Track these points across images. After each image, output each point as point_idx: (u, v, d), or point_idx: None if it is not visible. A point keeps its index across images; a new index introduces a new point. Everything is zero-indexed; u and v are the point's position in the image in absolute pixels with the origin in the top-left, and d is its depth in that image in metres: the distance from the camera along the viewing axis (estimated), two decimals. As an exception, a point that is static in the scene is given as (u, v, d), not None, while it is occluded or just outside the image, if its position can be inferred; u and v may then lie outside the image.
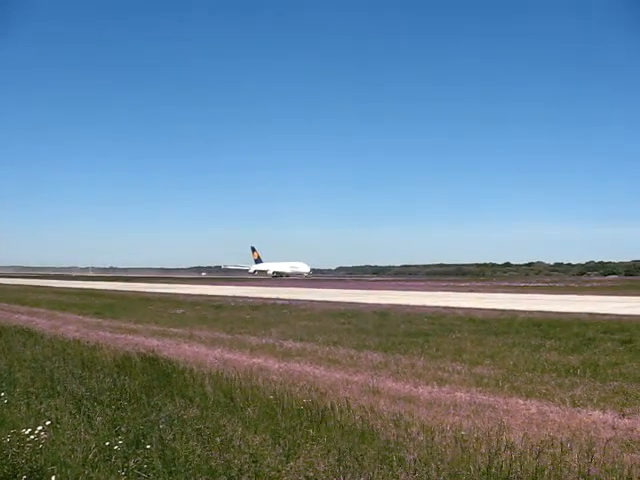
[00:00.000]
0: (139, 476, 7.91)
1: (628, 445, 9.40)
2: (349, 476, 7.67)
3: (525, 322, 27.48)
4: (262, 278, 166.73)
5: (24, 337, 21.93)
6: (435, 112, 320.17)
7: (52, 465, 8.13)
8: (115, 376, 13.95)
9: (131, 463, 8.15)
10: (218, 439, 9.10)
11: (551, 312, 33.65)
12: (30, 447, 8.44)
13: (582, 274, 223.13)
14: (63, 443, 8.93)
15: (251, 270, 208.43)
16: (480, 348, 19.47)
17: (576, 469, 7.98)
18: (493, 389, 13.59)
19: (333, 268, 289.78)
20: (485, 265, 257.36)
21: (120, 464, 8.15)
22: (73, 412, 10.85)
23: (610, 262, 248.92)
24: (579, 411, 11.59)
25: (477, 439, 9.26)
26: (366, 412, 10.98)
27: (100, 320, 31.91)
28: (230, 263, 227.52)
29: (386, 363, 16.98)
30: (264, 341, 22.09)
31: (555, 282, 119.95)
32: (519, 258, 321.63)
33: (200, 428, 9.73)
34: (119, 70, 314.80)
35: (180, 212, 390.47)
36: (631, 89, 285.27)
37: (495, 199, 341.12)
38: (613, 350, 18.86)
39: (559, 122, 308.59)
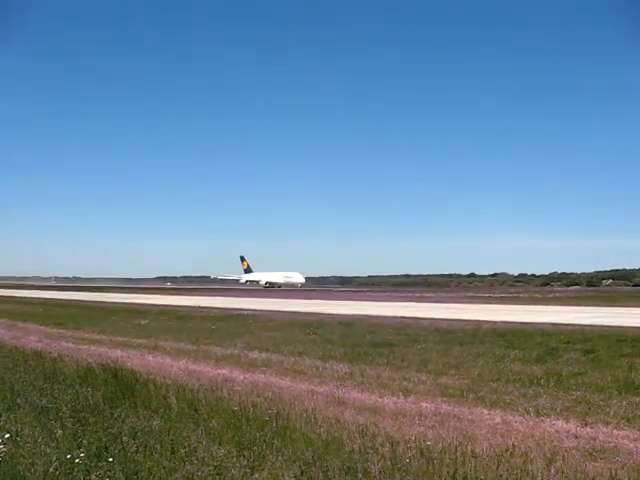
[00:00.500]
0: (101, 489, 7.80)
1: (590, 454, 9.48)
2: (314, 487, 7.64)
3: (489, 332, 27.69)
4: (242, 288, 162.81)
5: (-17, 349, 21.55)
6: (402, 124, 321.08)
7: (12, 479, 7.99)
8: (77, 388, 13.79)
9: (93, 476, 8.04)
10: (182, 451, 9.03)
11: (515, 322, 33.98)
12: (-11, 461, 8.29)
13: (546, 285, 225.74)
14: (23, 456, 8.79)
15: (242, 280, 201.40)
16: (445, 358, 19.57)
17: (539, 478, 8.04)
18: (458, 399, 13.64)
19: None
20: (450, 276, 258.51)
21: (82, 477, 8.04)
22: (34, 425, 10.70)
23: (573, 273, 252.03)
24: (543, 420, 11.68)
25: (442, 449, 9.27)
26: (331, 423, 10.96)
27: (63, 331, 31.51)
28: (220, 273, 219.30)
29: (352, 374, 16.98)
30: (229, 352, 21.98)
31: (519, 293, 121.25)
32: (484, 269, 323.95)
33: (164, 440, 9.64)
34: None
35: (152, 221, 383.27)
36: (595, 99, 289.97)
37: (460, 211, 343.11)
38: (576, 360, 19.08)
39: (520, 134, 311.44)
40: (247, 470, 8.42)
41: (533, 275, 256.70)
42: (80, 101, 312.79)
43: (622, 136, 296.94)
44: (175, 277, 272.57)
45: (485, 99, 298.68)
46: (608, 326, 31.03)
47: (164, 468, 8.35)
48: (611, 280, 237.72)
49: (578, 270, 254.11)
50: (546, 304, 64.92)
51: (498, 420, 11.71)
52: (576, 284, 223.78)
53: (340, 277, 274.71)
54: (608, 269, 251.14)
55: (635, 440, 10.30)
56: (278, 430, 10.31)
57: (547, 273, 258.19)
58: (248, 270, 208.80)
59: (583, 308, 53.77)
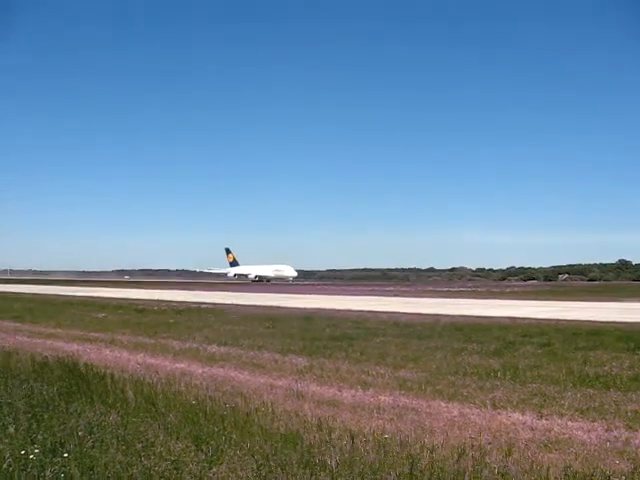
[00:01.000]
0: (56, 485, 7.68)
1: (546, 445, 9.62)
2: (272, 481, 7.62)
3: (448, 326, 27.92)
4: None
5: None
6: (369, 120, 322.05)
7: (-37, 476, 7.83)
8: (32, 382, 13.53)
9: (48, 472, 7.89)
10: (139, 445, 8.93)
11: (473, 316, 34.38)
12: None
13: (503, 279, 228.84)
14: (-26, 453, 8.61)
15: (230, 274, 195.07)
16: (404, 352, 19.68)
17: (496, 470, 8.11)
18: (416, 392, 13.73)
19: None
20: (410, 270, 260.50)
21: (36, 474, 7.89)
22: (-14, 421, 10.48)
23: (530, 268, 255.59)
24: (499, 413, 11.81)
25: (400, 442, 9.32)
26: (290, 416, 10.96)
27: (19, 324, 30.97)
28: (207, 266, 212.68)
29: (310, 367, 16.99)
30: (188, 345, 21.83)
31: (477, 287, 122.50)
32: (443, 263, 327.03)
33: (120, 434, 9.53)
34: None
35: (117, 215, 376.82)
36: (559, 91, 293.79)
37: (420, 206, 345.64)
38: (532, 353, 19.34)
39: (485, 130, 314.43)
40: (205, 464, 8.36)
41: (491, 270, 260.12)
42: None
43: (580, 132, 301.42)
44: (134, 270, 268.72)
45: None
46: (564, 320, 31.54)
47: (120, 463, 8.24)
48: (567, 275, 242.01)
49: (535, 265, 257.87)
50: (504, 298, 65.68)
51: (456, 413, 11.81)
52: (533, 279, 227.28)
53: (300, 270, 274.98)
54: (564, 264, 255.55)
55: (589, 431, 10.48)
56: (236, 424, 10.26)
57: (505, 268, 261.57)
58: (234, 263, 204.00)
59: (540, 302, 54.57)
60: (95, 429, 9.83)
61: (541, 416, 11.55)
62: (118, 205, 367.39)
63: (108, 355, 19.65)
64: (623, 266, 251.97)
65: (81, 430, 9.64)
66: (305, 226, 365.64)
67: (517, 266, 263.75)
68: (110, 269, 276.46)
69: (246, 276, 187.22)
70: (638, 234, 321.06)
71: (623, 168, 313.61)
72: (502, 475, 7.95)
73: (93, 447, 8.89)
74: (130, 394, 12.60)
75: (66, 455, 8.42)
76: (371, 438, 9.55)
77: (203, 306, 43.76)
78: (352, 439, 9.34)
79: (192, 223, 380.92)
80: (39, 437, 9.29)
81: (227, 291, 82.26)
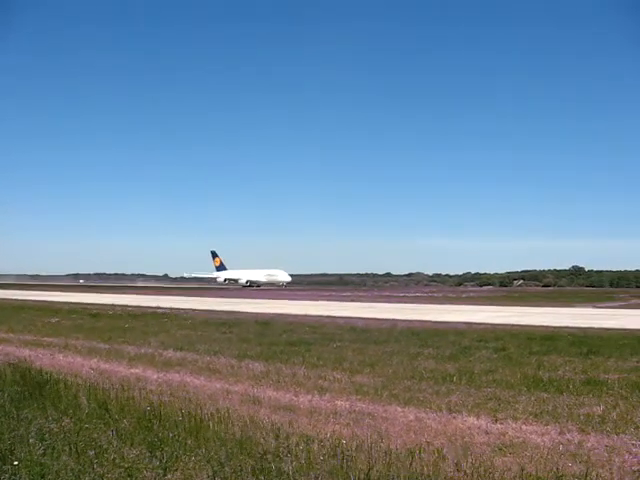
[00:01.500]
0: (5, 494, 7.51)
1: (500, 449, 9.70)
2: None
3: (405, 331, 28.07)
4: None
5: None
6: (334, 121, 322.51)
7: None
8: (-19, 389, 13.26)
9: (-4, 480, 7.73)
10: (92, 452, 8.78)
11: (429, 321, 34.61)
12: None
13: (459, 285, 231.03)
14: None
15: (220, 279, 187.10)
16: (361, 357, 19.71)
17: (451, 474, 8.16)
18: (373, 397, 13.75)
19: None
20: (366, 275, 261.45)
21: (-16, 482, 7.72)
22: None
23: (485, 273, 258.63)
24: (455, 417, 11.88)
25: (356, 447, 9.31)
26: (246, 422, 10.87)
27: (-32, 329, 30.29)
28: (194, 271, 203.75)
29: (267, 372, 16.91)
30: (143, 351, 21.58)
31: (434, 292, 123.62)
32: (399, 269, 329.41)
33: (73, 441, 9.35)
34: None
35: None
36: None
37: (376, 211, 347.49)
38: (487, 358, 19.52)
39: (440, 134, 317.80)
40: (160, 471, 8.27)
41: (448, 275, 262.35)
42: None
43: (531, 137, 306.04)
44: (89, 274, 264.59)
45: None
46: (519, 325, 32.02)
47: (72, 471, 8.10)
48: (522, 280, 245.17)
49: (491, 271, 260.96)
50: (460, 304, 66.38)
51: (412, 417, 11.85)
52: (489, 284, 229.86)
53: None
54: (519, 270, 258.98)
55: (542, 435, 10.60)
56: (191, 430, 10.17)
57: (461, 273, 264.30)
58: (221, 267, 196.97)
59: (495, 308, 55.28)
60: (47, 436, 9.65)
61: (496, 420, 11.64)
62: (82, 207, 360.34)
63: (61, 360, 19.31)
64: (577, 272, 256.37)
65: (32, 437, 9.46)
66: (261, 231, 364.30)
67: (473, 272, 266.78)
68: (64, 273, 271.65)
69: (236, 281, 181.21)
70: (591, 240, 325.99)
71: (577, 174, 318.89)
72: (457, 479, 7.99)
73: (44, 454, 8.72)
74: (83, 400, 12.41)
75: (16, 463, 8.26)
76: (328, 443, 9.52)
77: (159, 311, 43.39)
78: (309, 444, 9.32)
79: (173, 226, 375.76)
80: (-12, 444, 9.09)
81: (181, 296, 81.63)
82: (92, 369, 17.31)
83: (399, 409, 12.57)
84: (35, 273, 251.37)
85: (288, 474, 8.04)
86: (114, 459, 8.58)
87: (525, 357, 19.63)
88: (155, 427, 10.30)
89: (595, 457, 9.26)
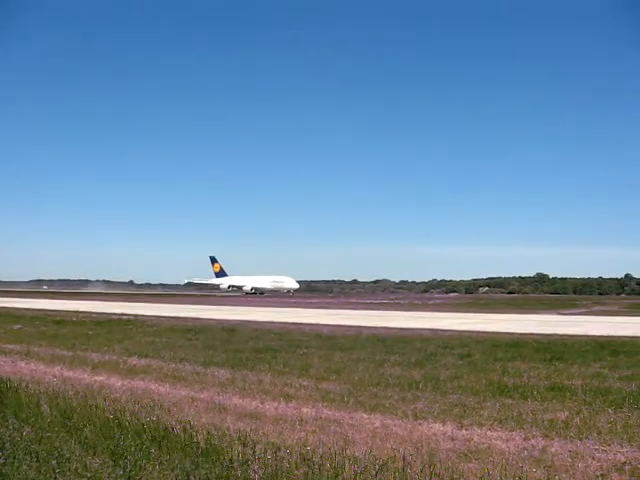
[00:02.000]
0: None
1: (466, 455, 9.74)
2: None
3: (370, 338, 28.13)
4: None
5: None
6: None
7: None
8: (-60, 398, 12.98)
9: (-46, 492, 7.57)
10: (54, 462, 8.62)
11: (395, 328, 34.71)
12: None
13: (426, 291, 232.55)
14: None
15: (224, 285, 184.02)
16: (327, 364, 19.68)
17: (417, 480, 8.17)
18: (339, 404, 13.72)
19: (182, 283, 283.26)
20: (333, 282, 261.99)
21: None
22: None
23: (451, 280, 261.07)
24: (421, 424, 11.90)
25: (322, 454, 9.26)
26: (211, 430, 10.76)
27: None
28: (196, 277, 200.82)
29: (233, 380, 16.81)
30: (107, 358, 21.32)
31: (400, 299, 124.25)
32: (366, 276, 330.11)
33: (34, 450, 9.19)
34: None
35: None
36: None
37: (343, 218, 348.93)
38: (453, 364, 19.62)
39: (406, 139, 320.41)
40: (123, 480, 8.16)
41: (414, 282, 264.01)
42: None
43: (497, 142, 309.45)
44: (52, 280, 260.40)
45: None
46: (484, 332, 32.28)
47: (33, 480, 7.96)
48: (487, 287, 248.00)
49: (456, 278, 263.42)
50: (425, 310, 66.77)
51: (378, 424, 11.85)
52: (454, 291, 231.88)
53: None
54: (484, 277, 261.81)
55: (507, 440, 10.66)
56: (156, 438, 10.05)
57: (427, 280, 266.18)
58: (221, 273, 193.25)
59: (461, 314, 55.73)
60: (7, 445, 9.45)
61: (461, 426, 11.69)
62: (46, 213, 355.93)
63: (23, 368, 18.98)
64: (541, 279, 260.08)
65: (-8, 446, 9.28)
66: (227, 240, 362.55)
67: (439, 279, 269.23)
68: (27, 279, 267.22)
69: (240, 288, 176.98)
70: (555, 248, 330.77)
71: (542, 181, 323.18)
72: (423, 485, 8.01)
73: (5, 464, 8.55)
74: (45, 408, 12.19)
75: (-25, 474, 8.09)
76: (294, 451, 9.48)
77: (124, 317, 42.93)
78: (275, 452, 9.26)
79: (140, 231, 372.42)
80: (-54, 455, 8.89)
81: (148, 302, 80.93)
82: (55, 377, 17.03)
83: (365, 416, 12.56)
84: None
85: (255, 482, 7.98)
86: (76, 468, 8.45)
87: (490, 364, 19.77)
88: (119, 435, 10.16)
89: (559, 462, 9.33)
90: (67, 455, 9.05)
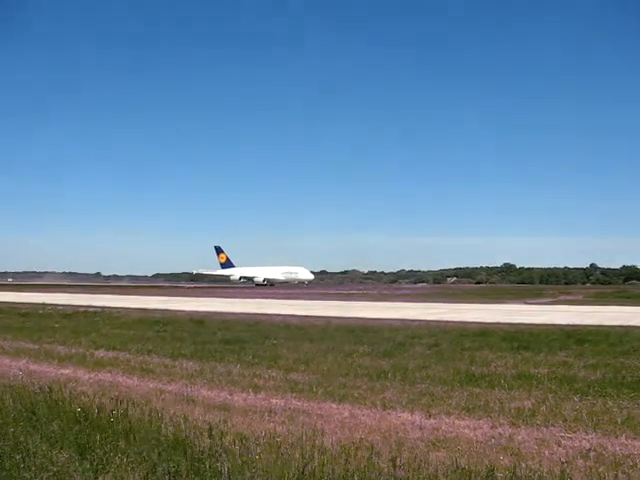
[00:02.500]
0: None
1: (434, 444, 9.80)
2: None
3: (339, 328, 28.18)
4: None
5: None
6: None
7: None
8: None
9: None
10: (18, 457, 8.49)
11: (364, 318, 34.88)
12: None
13: (394, 282, 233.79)
14: None
15: (235, 277, 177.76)
16: (296, 354, 19.68)
17: (385, 469, 8.19)
18: (308, 394, 13.73)
19: (149, 275, 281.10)
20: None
21: None
22: None
23: (420, 271, 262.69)
24: (389, 413, 11.95)
25: (291, 444, 9.27)
26: (180, 422, 10.70)
27: None
28: (203, 268, 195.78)
29: (201, 371, 16.74)
30: (74, 351, 21.09)
31: (369, 290, 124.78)
32: (335, 266, 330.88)
33: (-3, 446, 9.07)
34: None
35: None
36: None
37: (309, 208, 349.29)
38: (421, 354, 19.73)
39: (374, 135, 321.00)
40: (90, 474, 8.08)
41: (382, 273, 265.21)
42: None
43: (471, 133, 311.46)
44: (18, 273, 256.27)
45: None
46: (452, 321, 32.56)
47: (-3, 477, 7.85)
48: (455, 278, 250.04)
49: (424, 268, 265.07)
50: (394, 301, 67.11)
51: (346, 414, 11.87)
52: (423, 281, 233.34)
53: (191, 273, 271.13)
54: (452, 267, 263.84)
55: (475, 429, 10.75)
56: (124, 431, 9.95)
57: (395, 271, 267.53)
58: (227, 264, 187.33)
59: (429, 304, 56.08)
60: (-32, 441, 9.32)
61: (429, 415, 11.76)
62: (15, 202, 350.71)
63: (-13, 362, 18.73)
64: (508, 269, 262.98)
65: (-47, 443, 9.12)
66: (196, 229, 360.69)
67: (407, 269, 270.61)
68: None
69: (252, 279, 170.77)
70: (522, 238, 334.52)
71: (510, 172, 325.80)
72: (391, 474, 8.03)
73: (-33, 460, 8.42)
74: (10, 402, 12.01)
75: None
76: (263, 441, 9.47)
77: (91, 309, 42.51)
78: (244, 443, 9.24)
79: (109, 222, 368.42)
80: None
81: (114, 294, 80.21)
82: (20, 370, 16.76)
83: (334, 406, 12.59)
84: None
85: (223, 473, 7.94)
86: (42, 463, 8.33)
87: (458, 353, 19.91)
88: (86, 429, 10.06)
89: (525, 450, 9.44)
90: (32, 450, 8.91)
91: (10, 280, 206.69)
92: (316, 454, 8.72)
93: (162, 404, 12.40)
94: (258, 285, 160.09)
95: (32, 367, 17.63)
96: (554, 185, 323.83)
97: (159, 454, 8.72)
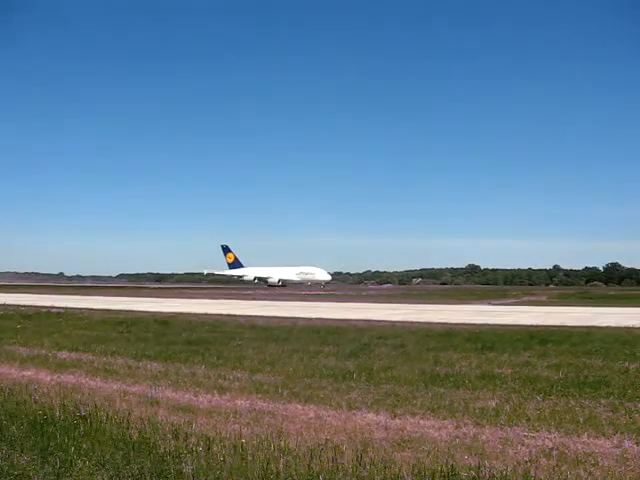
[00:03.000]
0: None
1: (399, 444, 9.84)
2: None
3: (305, 329, 28.15)
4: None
5: None
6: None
7: None
8: None
9: None
10: (-23, 461, 8.38)
11: (330, 319, 34.85)
12: None
13: (360, 283, 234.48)
14: None
15: (249, 277, 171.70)
16: (261, 355, 19.62)
17: (350, 470, 8.21)
18: (273, 395, 13.70)
19: (113, 275, 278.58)
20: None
21: None
22: None
23: (385, 272, 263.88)
24: (354, 414, 11.97)
25: (256, 446, 9.26)
26: (144, 424, 10.62)
27: None
28: (214, 268, 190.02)
29: (166, 373, 16.62)
30: (36, 352, 20.76)
31: (334, 290, 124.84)
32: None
33: (-46, 451, 8.90)
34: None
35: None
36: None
37: (274, 210, 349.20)
38: (386, 355, 19.78)
39: (328, 136, 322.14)
40: (52, 477, 8.00)
41: (348, 273, 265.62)
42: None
43: (434, 136, 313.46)
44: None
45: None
46: (417, 322, 32.68)
47: (-44, 481, 7.72)
48: (420, 278, 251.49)
49: (390, 269, 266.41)
50: (360, 301, 67.32)
51: (312, 415, 11.87)
52: (388, 282, 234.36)
53: (155, 274, 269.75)
54: (418, 268, 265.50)
55: (439, 429, 10.81)
56: (87, 433, 9.86)
57: (361, 272, 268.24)
58: (236, 264, 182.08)
59: (395, 305, 56.33)
60: None
61: (395, 416, 11.80)
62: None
63: (-54, 364, 18.37)
64: (473, 270, 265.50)
65: None
66: (157, 230, 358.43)
67: (373, 270, 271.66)
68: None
69: (266, 280, 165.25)
70: (486, 240, 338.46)
71: (473, 175, 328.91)
72: (356, 475, 8.05)
73: None
74: (-31, 406, 11.83)
75: None
76: (228, 443, 9.43)
77: (54, 310, 41.89)
78: (209, 445, 9.20)
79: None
80: None
81: (77, 295, 79.29)
82: (-20, 373, 16.56)
83: (299, 407, 12.58)
84: None
85: (188, 475, 7.92)
86: (2, 467, 8.21)
87: (423, 353, 20.00)
88: (48, 432, 9.93)
89: (489, 449, 9.52)
90: (-8, 453, 8.80)
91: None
92: (281, 455, 8.72)
93: (126, 406, 12.29)
94: (271, 286, 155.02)
95: (-8, 369, 17.35)
96: (518, 188, 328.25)
97: (123, 456, 8.66)
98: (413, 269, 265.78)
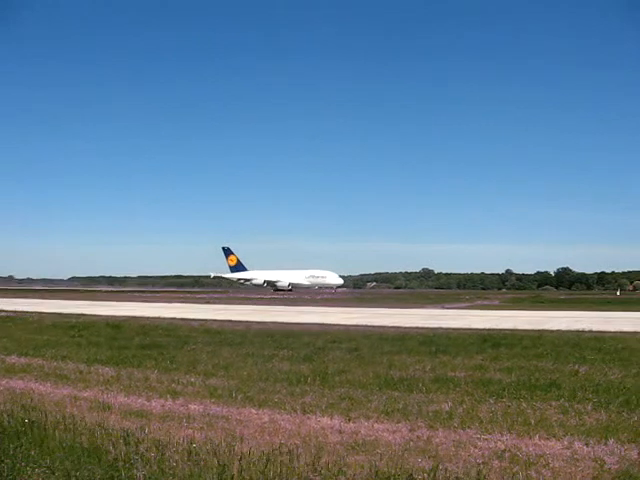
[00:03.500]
0: None
1: (353, 447, 9.85)
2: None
3: (259, 333, 28.08)
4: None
5: None
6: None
7: None
8: None
9: None
10: None
11: (284, 323, 34.87)
12: None
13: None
14: None
15: (258, 281, 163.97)
16: (215, 359, 19.49)
17: (304, 474, 8.19)
18: (227, 400, 13.61)
19: (65, 278, 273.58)
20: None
21: None
22: None
23: (340, 276, 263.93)
24: (309, 418, 11.95)
25: (210, 451, 9.17)
26: (95, 429, 10.44)
27: None
28: (221, 272, 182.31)
29: (118, 377, 16.40)
30: (-16, 357, 20.34)
31: (289, 294, 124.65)
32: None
33: None
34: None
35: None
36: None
37: (241, 213, 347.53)
38: (341, 358, 19.81)
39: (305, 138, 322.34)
40: (-1, 485, 7.80)
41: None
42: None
43: (385, 139, 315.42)
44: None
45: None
46: (371, 326, 32.82)
47: None
48: (375, 283, 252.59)
49: (344, 273, 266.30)
50: (314, 305, 67.34)
51: (266, 419, 11.82)
52: (343, 286, 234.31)
53: (109, 277, 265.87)
54: (372, 272, 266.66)
55: (393, 432, 10.85)
56: (35, 440, 9.65)
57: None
58: (238, 267, 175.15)
59: (349, 309, 56.49)
60: None
61: (349, 419, 11.82)
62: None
63: None
64: (426, 275, 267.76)
65: None
66: (113, 234, 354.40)
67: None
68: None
69: (275, 284, 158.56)
70: (440, 245, 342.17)
71: (426, 182, 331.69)
72: (311, 479, 8.03)
73: None
74: None
75: None
76: (181, 448, 9.32)
77: (2, 314, 41.10)
78: (161, 450, 9.08)
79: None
80: None
81: (27, 298, 77.85)
82: None
83: (253, 411, 12.51)
84: None
85: (140, 481, 7.80)
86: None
87: (377, 357, 20.08)
88: (-5, 439, 9.72)
89: (443, 452, 9.58)
90: (-64, 462, 8.56)
91: None
92: (235, 460, 8.65)
93: (77, 411, 12.09)
94: (278, 290, 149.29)
95: (-62, 374, 16.92)
96: (470, 193, 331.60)
97: (73, 462, 8.50)
98: (367, 273, 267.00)
